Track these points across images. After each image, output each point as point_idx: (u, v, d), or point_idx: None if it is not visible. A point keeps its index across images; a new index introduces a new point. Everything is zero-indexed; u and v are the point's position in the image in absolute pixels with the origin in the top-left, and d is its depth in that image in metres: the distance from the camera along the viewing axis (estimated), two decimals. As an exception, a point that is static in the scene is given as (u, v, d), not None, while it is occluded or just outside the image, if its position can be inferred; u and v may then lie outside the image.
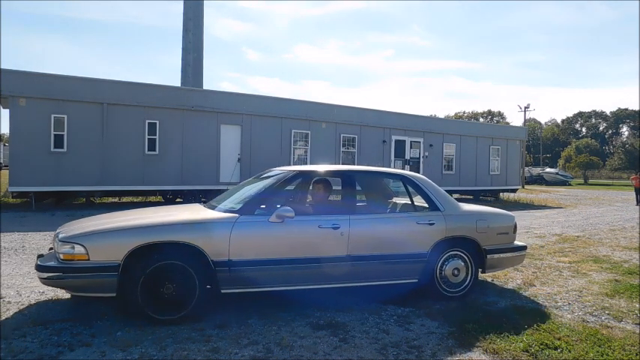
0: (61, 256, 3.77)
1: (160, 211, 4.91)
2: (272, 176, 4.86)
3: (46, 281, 3.82)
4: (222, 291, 4.02)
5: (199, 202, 5.36)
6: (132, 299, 3.76)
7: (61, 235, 3.92)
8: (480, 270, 4.98)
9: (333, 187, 5.19)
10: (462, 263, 4.83)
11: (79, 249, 3.73)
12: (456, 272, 4.78)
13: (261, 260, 4.09)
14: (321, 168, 5.18)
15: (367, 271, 4.48)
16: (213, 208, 4.50)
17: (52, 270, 3.77)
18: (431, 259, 4.67)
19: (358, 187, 5.40)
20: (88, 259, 3.72)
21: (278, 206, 4.19)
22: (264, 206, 4.30)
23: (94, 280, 3.74)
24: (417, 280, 4.68)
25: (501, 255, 5.03)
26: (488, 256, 4.92)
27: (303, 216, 4.46)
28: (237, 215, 4.14)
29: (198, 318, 3.93)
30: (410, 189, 5.08)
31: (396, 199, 5.49)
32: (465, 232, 4.84)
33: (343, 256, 4.35)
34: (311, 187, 5.25)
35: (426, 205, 4.93)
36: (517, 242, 5.29)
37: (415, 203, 5.06)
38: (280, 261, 4.14)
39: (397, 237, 4.61)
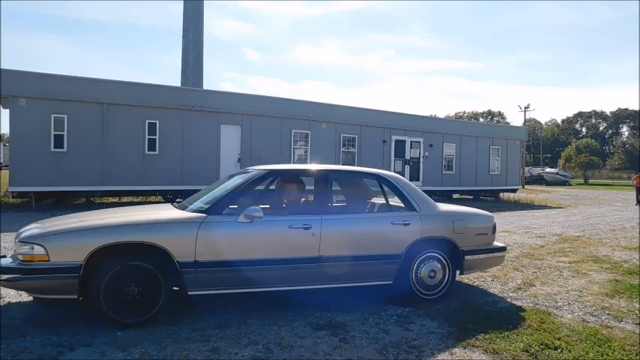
0: (21, 257, 3.66)
1: (129, 211, 4.79)
2: (243, 176, 4.74)
3: (5, 283, 3.67)
4: (189, 293, 3.94)
5: None
6: (95, 301, 3.67)
7: (21, 236, 3.83)
8: (458, 272, 4.88)
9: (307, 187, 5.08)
10: (439, 265, 4.73)
11: (38, 249, 3.61)
12: (432, 274, 4.68)
13: (229, 261, 3.99)
14: (293, 167, 5.09)
15: (339, 272, 4.38)
16: (184, 208, 4.40)
17: (10, 271, 3.63)
18: (406, 261, 4.58)
19: (335, 187, 5.31)
20: (48, 260, 3.60)
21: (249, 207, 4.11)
22: (234, 206, 4.21)
23: (54, 281, 3.62)
24: (392, 282, 4.59)
25: (480, 256, 4.94)
26: (466, 257, 4.82)
27: (274, 216, 4.42)
28: (204, 215, 4.05)
29: (162, 320, 3.84)
30: (386, 189, 4.98)
31: (375, 200, 5.39)
32: (442, 233, 4.75)
33: (315, 257, 4.26)
34: (283, 187, 5.15)
35: (403, 205, 4.84)
36: (496, 243, 5.20)
37: (391, 203, 4.98)
38: (249, 262, 4.05)
39: (371, 237, 4.51)
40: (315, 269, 4.28)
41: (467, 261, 4.84)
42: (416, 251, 4.63)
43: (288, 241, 4.22)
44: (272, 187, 5.34)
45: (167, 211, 4.37)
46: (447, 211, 5.02)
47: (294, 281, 4.27)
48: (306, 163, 16.61)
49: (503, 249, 5.22)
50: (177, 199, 5.48)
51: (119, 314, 3.71)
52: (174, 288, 3.95)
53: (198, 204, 4.39)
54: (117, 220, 3.99)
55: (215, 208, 4.13)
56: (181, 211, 4.31)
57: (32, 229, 3.97)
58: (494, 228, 5.14)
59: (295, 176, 5.05)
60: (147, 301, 3.78)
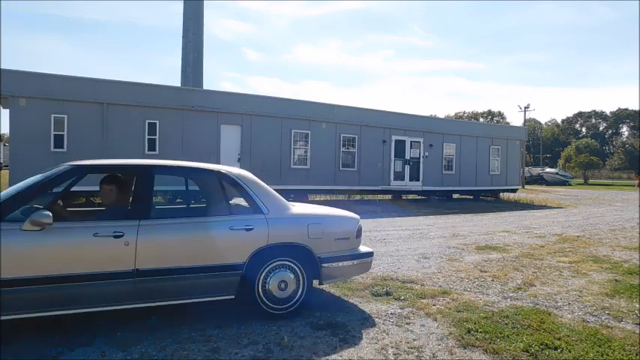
0: None
1: None
2: (46, 172, 3.95)
3: None
4: None
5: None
6: None
7: None
8: (317, 281, 4.42)
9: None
10: (291, 275, 4.19)
11: None
12: (282, 285, 4.13)
13: (9, 280, 3.23)
14: (108, 162, 4.38)
15: (163, 287, 3.73)
16: None
17: None
18: (249, 271, 3.99)
19: (173, 187, 4.71)
20: None
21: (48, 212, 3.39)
22: (42, 208, 3.55)
23: None
24: (233, 297, 4.01)
25: (341, 263, 4.43)
26: (324, 265, 4.31)
27: (76, 222, 3.71)
28: None
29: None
30: (228, 188, 4.34)
31: (226, 201, 4.44)
32: (294, 239, 4.20)
33: (128, 271, 3.58)
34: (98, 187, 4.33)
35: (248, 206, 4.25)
36: (362, 248, 4.70)
37: (239, 204, 4.43)
38: (37, 280, 3.31)
39: (203, 245, 3.89)
40: (130, 285, 3.60)
41: (325, 269, 4.33)
42: (262, 260, 4.06)
43: (92, 252, 3.52)
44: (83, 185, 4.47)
45: None
46: (301, 214, 4.46)
47: (100, 301, 3.57)
48: (306, 163, 16.64)
49: (369, 254, 4.73)
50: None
51: None
52: None
53: None
54: None
55: None
56: None
57: None
58: (358, 232, 4.64)
59: (111, 173, 4.29)
60: None
